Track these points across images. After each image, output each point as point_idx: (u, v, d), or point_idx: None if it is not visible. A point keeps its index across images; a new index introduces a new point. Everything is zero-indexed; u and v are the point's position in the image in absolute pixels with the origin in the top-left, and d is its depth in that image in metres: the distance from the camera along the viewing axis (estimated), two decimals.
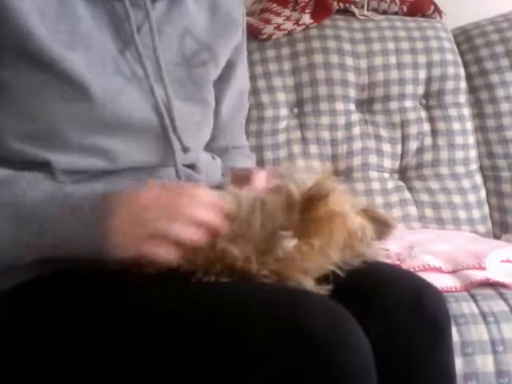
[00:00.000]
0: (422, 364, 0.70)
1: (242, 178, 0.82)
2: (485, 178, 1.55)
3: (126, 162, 0.82)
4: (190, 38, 0.90)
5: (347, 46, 1.55)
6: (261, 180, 0.80)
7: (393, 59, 1.55)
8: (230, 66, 0.99)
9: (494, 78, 1.56)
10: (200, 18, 0.93)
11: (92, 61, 0.79)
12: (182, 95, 0.88)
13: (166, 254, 0.67)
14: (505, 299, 1.04)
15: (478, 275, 1.07)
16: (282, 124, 1.54)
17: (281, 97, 1.54)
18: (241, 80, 1.04)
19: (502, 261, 1.13)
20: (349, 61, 1.54)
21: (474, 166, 1.55)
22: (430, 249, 1.17)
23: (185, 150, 0.88)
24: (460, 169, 1.54)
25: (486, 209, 1.53)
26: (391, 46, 1.56)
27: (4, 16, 0.74)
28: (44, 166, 0.79)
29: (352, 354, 0.58)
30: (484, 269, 1.09)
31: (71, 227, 0.69)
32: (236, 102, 1.05)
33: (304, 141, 1.53)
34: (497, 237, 1.48)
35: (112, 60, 0.82)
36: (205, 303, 0.65)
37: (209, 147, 1.01)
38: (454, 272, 1.10)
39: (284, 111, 1.54)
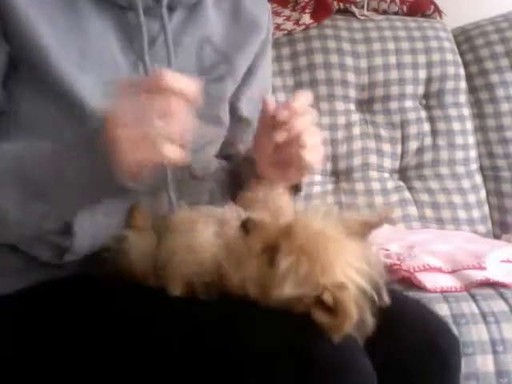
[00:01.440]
0: None
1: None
2: (485, 178, 1.55)
3: (141, 184, 0.81)
4: (208, 47, 0.86)
5: (347, 46, 1.55)
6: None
7: (393, 59, 1.55)
8: (248, 73, 0.93)
9: (494, 78, 1.56)
10: (219, 25, 0.88)
11: (104, 83, 0.75)
12: (196, 112, 0.86)
13: (171, 153, 0.63)
14: (505, 299, 1.03)
15: (478, 275, 1.07)
16: None
17: (281, 97, 1.54)
18: (261, 84, 0.97)
19: (502, 261, 1.13)
20: (349, 61, 1.54)
21: (474, 166, 1.55)
22: (430, 249, 1.17)
23: (192, 176, 0.86)
24: (460, 169, 1.54)
25: (486, 209, 1.53)
26: (391, 45, 1.56)
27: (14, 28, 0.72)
28: None
29: (354, 378, 0.60)
30: (484, 269, 1.09)
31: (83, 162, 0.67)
32: (255, 106, 0.96)
33: None
34: (497, 237, 1.48)
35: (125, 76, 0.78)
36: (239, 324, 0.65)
37: (221, 153, 0.97)
38: (453, 272, 1.10)
39: None
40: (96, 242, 0.78)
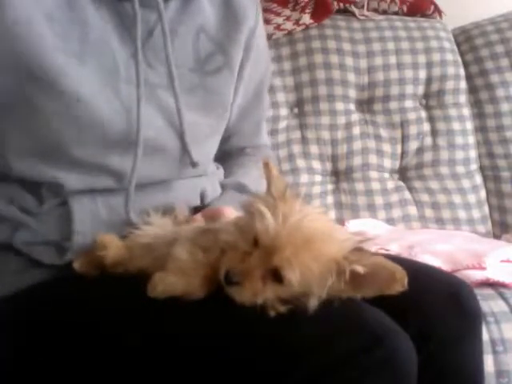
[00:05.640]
0: (461, 354, 0.74)
1: (212, 215, 0.82)
2: (485, 178, 1.55)
3: (135, 179, 0.81)
4: (204, 36, 0.87)
5: (347, 46, 1.55)
6: (229, 217, 0.80)
7: (393, 59, 1.55)
8: (240, 65, 0.95)
9: (494, 78, 1.56)
10: (212, 15, 0.89)
11: (103, 72, 0.77)
12: (193, 105, 0.86)
13: None
14: (505, 299, 1.03)
15: (477, 275, 1.07)
16: (282, 124, 1.54)
17: (281, 97, 1.54)
18: (255, 77, 0.98)
19: (502, 261, 1.13)
20: (349, 61, 1.54)
21: (474, 166, 1.55)
22: (429, 249, 1.16)
23: (193, 164, 0.87)
24: (460, 169, 1.54)
25: (486, 209, 1.53)
26: (391, 46, 1.56)
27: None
28: (50, 185, 0.78)
29: (404, 340, 0.64)
30: (484, 269, 1.09)
31: None
32: (250, 100, 1.00)
33: (304, 141, 1.53)
34: (497, 237, 1.48)
35: (124, 67, 0.79)
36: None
37: (220, 149, 0.98)
38: (453, 272, 1.10)
39: (284, 111, 1.54)
40: None
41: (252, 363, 0.62)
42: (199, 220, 0.80)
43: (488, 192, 1.54)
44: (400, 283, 0.61)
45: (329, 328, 0.62)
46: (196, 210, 0.88)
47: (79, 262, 0.77)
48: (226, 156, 1.03)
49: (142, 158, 0.80)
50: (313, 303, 0.62)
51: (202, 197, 0.93)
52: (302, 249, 0.61)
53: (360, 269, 0.62)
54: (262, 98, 1.05)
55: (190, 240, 0.69)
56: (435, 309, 0.74)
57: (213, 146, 0.96)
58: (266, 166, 0.68)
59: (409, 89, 1.54)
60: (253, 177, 1.03)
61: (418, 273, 0.74)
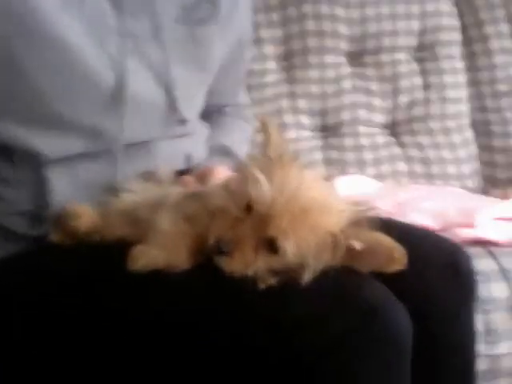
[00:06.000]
0: (458, 322, 0.73)
1: (202, 176, 0.78)
2: (476, 133, 1.53)
3: (120, 140, 0.78)
4: None
5: None
6: (220, 177, 0.76)
7: (386, 9, 1.49)
8: (227, 16, 0.89)
9: (490, 29, 1.51)
10: None
11: (89, 21, 0.73)
12: (181, 58, 0.82)
13: None
14: (494, 257, 1.03)
15: (467, 233, 1.06)
16: (270, 78, 1.49)
17: (268, 49, 1.49)
18: (238, 28, 0.93)
19: (495, 218, 1.12)
20: (340, 11, 1.48)
21: (466, 121, 1.52)
22: (419, 206, 1.15)
23: (182, 121, 0.83)
24: (451, 123, 1.51)
25: (477, 164, 1.51)
26: None
27: None
28: (23, 152, 0.75)
29: (400, 312, 0.62)
30: (474, 226, 1.08)
31: None
32: (232, 53, 0.94)
33: (292, 95, 1.49)
34: (486, 192, 1.47)
35: (109, 17, 0.75)
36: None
37: (207, 102, 0.94)
38: (443, 230, 1.09)
39: (271, 64, 1.49)
40: None
41: (239, 338, 0.60)
42: (189, 182, 0.77)
43: (479, 147, 1.52)
44: (398, 262, 0.59)
45: (323, 306, 0.59)
46: (181, 173, 0.85)
47: (55, 232, 0.74)
48: (205, 115, 0.99)
49: (128, 116, 0.76)
50: (307, 276, 0.60)
51: (187, 160, 0.90)
52: (298, 219, 0.59)
53: (357, 244, 0.60)
54: (244, 54, 1.00)
55: (175, 207, 0.66)
56: (435, 282, 0.72)
57: (200, 102, 0.92)
58: (264, 123, 0.64)
59: (401, 41, 1.50)
60: (236, 139, 1.00)
61: (415, 239, 0.72)
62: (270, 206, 0.59)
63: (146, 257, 0.62)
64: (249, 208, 0.60)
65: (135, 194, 0.75)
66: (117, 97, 0.76)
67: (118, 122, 0.77)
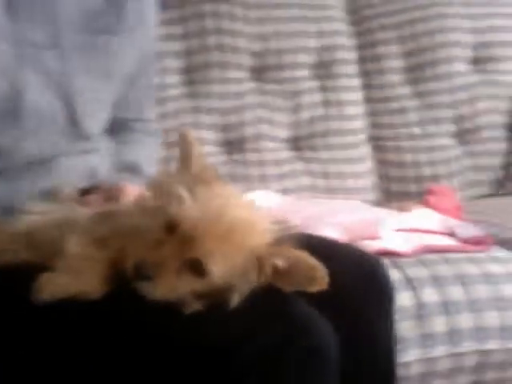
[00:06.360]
0: (379, 331, 0.76)
1: (110, 195, 0.74)
2: (372, 148, 1.59)
3: (20, 158, 0.72)
4: None
5: (239, 11, 1.49)
6: (130, 196, 0.73)
7: (284, 27, 1.52)
8: (133, 27, 0.87)
9: (382, 50, 1.58)
10: None
11: None
12: (84, 69, 0.77)
13: None
14: (399, 267, 1.06)
15: (374, 245, 1.09)
16: (171, 92, 1.46)
17: (170, 63, 1.46)
18: (144, 41, 0.90)
19: (396, 230, 1.16)
20: (241, 27, 1.49)
21: (363, 137, 1.58)
22: (327, 220, 1.17)
23: (85, 137, 0.78)
24: (349, 139, 1.56)
25: (373, 178, 1.57)
26: (283, 13, 1.53)
27: None
28: None
29: (327, 330, 0.63)
30: (379, 238, 1.12)
31: None
32: (139, 66, 0.91)
33: (194, 110, 1.47)
34: (382, 205, 1.52)
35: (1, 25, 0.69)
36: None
37: (112, 113, 0.90)
38: (351, 242, 1.11)
39: (173, 78, 1.47)
40: None
41: (170, 365, 0.57)
42: (95, 201, 0.72)
43: (374, 161, 1.59)
44: (320, 283, 0.59)
45: (252, 322, 0.59)
46: (85, 191, 0.80)
47: None
48: (111, 130, 0.94)
49: (26, 131, 0.70)
50: (235, 299, 0.57)
51: (93, 176, 0.85)
52: (224, 239, 0.56)
53: (280, 263, 0.58)
54: (150, 67, 0.98)
55: (84, 229, 0.60)
56: (354, 290, 0.73)
57: (105, 117, 0.88)
58: (185, 138, 0.60)
59: (301, 58, 1.53)
60: (143, 155, 0.96)
61: (333, 252, 0.73)
62: (193, 226, 0.56)
63: (54, 285, 0.57)
64: (170, 228, 0.57)
65: (36, 214, 0.68)
66: (12, 109, 0.70)
67: (14, 137, 0.71)
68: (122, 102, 0.91)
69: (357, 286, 0.74)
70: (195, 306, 0.57)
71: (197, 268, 0.56)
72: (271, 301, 0.60)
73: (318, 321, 0.62)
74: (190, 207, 0.56)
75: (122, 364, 0.59)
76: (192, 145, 0.60)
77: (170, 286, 0.56)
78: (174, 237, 0.56)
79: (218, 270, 0.56)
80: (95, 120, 0.83)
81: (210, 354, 0.57)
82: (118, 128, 0.95)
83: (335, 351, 0.62)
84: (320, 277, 0.59)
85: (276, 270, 0.59)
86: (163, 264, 0.55)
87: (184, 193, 0.56)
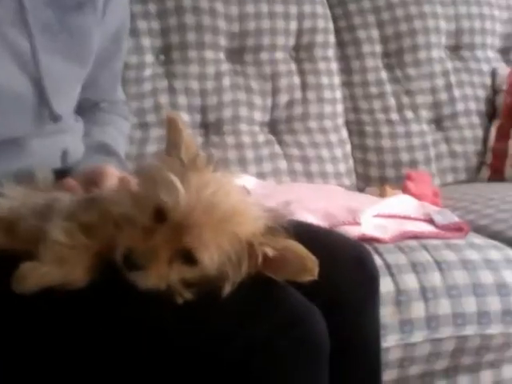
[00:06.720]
0: (368, 317, 0.76)
1: (90, 179, 0.71)
2: (350, 133, 1.59)
3: None
4: None
5: None
6: (112, 181, 0.70)
7: (265, 8, 1.49)
8: (103, 4, 0.83)
9: (361, 34, 1.57)
10: None
11: None
12: (53, 46, 0.74)
13: None
14: (379, 254, 1.06)
15: (353, 231, 1.09)
16: (148, 71, 1.43)
17: (146, 41, 1.42)
18: (116, 19, 0.88)
19: (375, 215, 1.16)
20: (219, 6, 1.46)
21: (341, 121, 1.57)
22: (306, 205, 1.16)
23: (55, 118, 0.75)
24: (328, 123, 1.55)
25: (351, 162, 1.57)
26: None
27: None
28: None
29: (319, 319, 0.63)
30: (359, 224, 1.11)
31: None
32: (109, 45, 0.89)
33: (171, 91, 1.44)
34: (360, 190, 1.53)
35: None
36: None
37: (81, 95, 0.87)
38: (330, 228, 1.11)
39: (149, 58, 1.43)
40: None
41: (161, 355, 0.56)
42: (74, 186, 0.69)
43: (353, 146, 1.58)
44: (310, 272, 0.58)
45: (243, 311, 0.58)
46: (59, 173, 0.76)
47: None
48: (80, 110, 0.91)
49: None
50: (226, 288, 0.56)
51: (64, 158, 0.83)
52: (216, 228, 0.54)
53: (270, 252, 0.57)
54: (122, 46, 0.95)
55: (69, 216, 0.58)
56: (343, 276, 0.73)
57: (75, 97, 0.85)
58: (173, 123, 0.58)
59: (280, 40, 1.51)
60: (113, 136, 0.93)
61: (322, 239, 0.73)
62: (186, 214, 0.54)
63: (36, 275, 0.54)
64: (161, 216, 0.55)
65: (12, 199, 0.65)
66: None
67: None
68: (92, 82, 0.89)
69: (346, 273, 0.74)
70: (186, 295, 0.56)
71: (188, 257, 0.55)
72: (262, 289, 0.60)
73: (310, 309, 0.62)
74: (181, 195, 0.54)
75: (110, 355, 0.57)
76: (181, 131, 0.58)
77: (161, 276, 0.54)
78: (165, 225, 0.54)
79: (210, 258, 0.55)
80: (65, 100, 0.81)
81: (201, 343, 0.56)
82: (88, 108, 0.93)
83: (326, 339, 0.62)
84: (311, 267, 0.58)
85: (267, 259, 0.58)
86: (154, 253, 0.54)
87: (175, 180, 0.54)
